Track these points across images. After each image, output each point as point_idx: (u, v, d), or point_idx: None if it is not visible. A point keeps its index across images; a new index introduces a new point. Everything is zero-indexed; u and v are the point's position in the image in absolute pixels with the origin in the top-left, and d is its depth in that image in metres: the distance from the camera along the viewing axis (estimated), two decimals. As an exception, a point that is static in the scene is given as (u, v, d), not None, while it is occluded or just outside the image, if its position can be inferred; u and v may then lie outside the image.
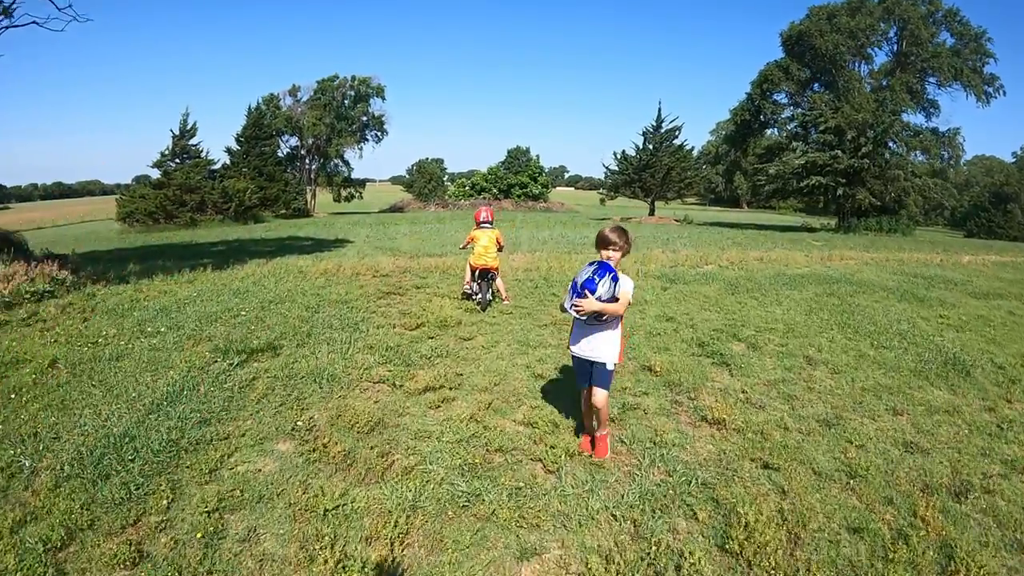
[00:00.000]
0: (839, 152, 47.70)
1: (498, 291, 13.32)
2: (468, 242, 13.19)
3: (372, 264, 17.63)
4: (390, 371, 8.32)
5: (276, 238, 30.98)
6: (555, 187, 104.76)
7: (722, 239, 32.69)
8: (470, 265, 12.92)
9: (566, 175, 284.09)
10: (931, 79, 50.63)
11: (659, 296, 14.35)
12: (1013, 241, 60.20)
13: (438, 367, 8.57)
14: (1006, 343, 11.34)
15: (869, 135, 47.25)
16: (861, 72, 52.85)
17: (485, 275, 12.83)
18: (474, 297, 12.93)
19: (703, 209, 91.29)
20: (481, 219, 13.17)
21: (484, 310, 12.38)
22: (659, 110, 61.21)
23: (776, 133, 58.47)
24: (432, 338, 10.08)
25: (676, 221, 56.21)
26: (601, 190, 74.09)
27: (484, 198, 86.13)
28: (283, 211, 59.99)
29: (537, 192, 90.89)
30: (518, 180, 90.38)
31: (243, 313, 11.30)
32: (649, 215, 61.14)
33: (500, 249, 13.18)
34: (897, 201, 50.26)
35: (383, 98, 79.64)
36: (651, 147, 60.89)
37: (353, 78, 77.85)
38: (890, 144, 49.16)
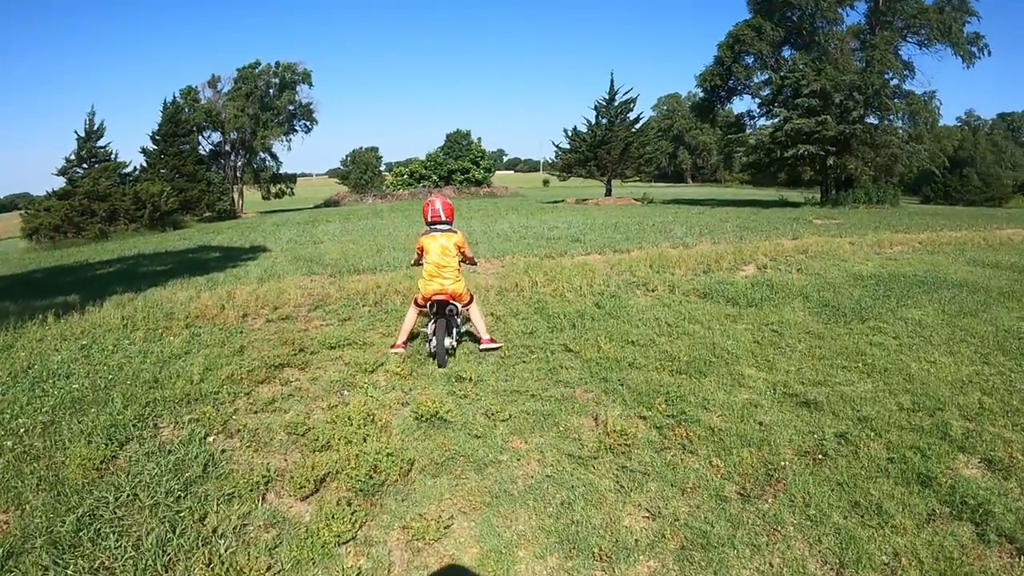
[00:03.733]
0: (827, 118, 43.29)
1: (474, 330, 8.98)
2: (418, 255, 8.67)
3: (275, 294, 12.11)
4: None
5: (183, 250, 25.96)
6: (495, 171, 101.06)
7: (715, 222, 27.81)
8: (418, 296, 8.58)
9: (505, 158, 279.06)
10: (911, 39, 46.47)
11: (736, 337, 9.62)
12: (970, 205, 61.70)
13: None
14: None
15: (858, 98, 43.12)
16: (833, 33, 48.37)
17: (443, 309, 8.25)
18: (429, 345, 8.33)
19: (651, 185, 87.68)
20: (430, 217, 8.68)
21: (442, 365, 8.02)
22: (612, 82, 55.65)
23: (744, 101, 54.91)
24: (350, 537, 4.71)
25: (637, 200, 52.07)
26: (551, 171, 69.32)
27: (424, 186, 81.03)
28: (207, 214, 54.95)
29: (480, 177, 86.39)
30: (459, 165, 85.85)
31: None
32: (606, 195, 56.22)
33: (468, 262, 8.98)
34: (886, 169, 47.20)
35: (310, 84, 73.48)
36: (605, 121, 55.82)
37: (277, 64, 71.49)
38: (877, 109, 45.20)
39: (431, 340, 8.24)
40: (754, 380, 7.83)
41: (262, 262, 17.93)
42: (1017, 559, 4.43)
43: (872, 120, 45.39)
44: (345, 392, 7.35)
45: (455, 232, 8.67)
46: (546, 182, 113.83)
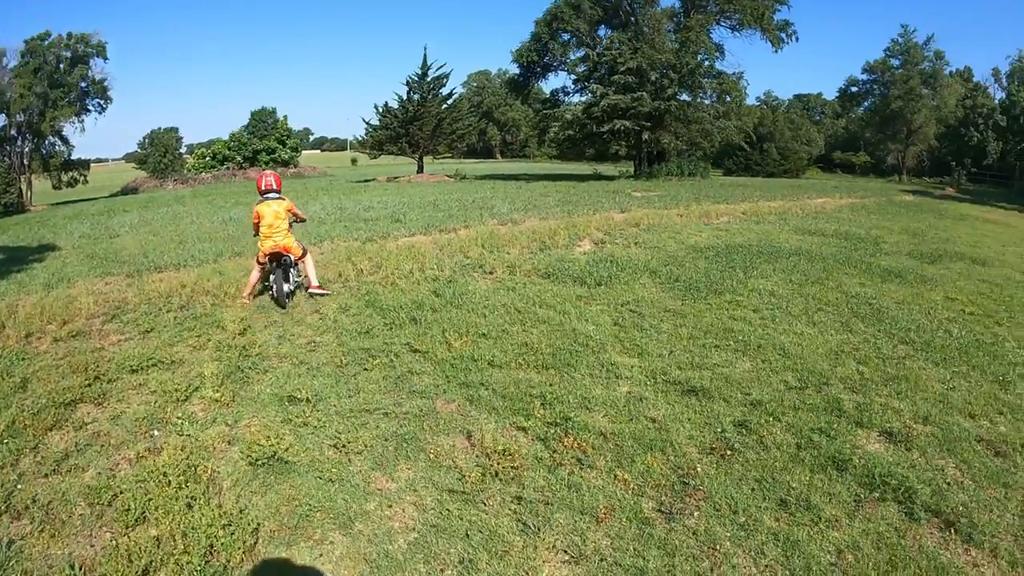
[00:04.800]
0: (643, 94, 44.50)
1: (304, 278, 10.50)
2: (256, 222, 10.21)
3: (63, 304, 9.76)
4: None
5: (-46, 256, 22.38)
6: (302, 151, 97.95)
7: (535, 196, 27.15)
8: (258, 254, 10.12)
9: (311, 138, 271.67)
10: (724, 23, 48.44)
11: (595, 321, 9.21)
12: (770, 177, 67.36)
13: None
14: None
15: (673, 76, 44.82)
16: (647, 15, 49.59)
17: (279, 260, 9.93)
18: (271, 291, 10.05)
19: (461, 162, 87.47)
20: (263, 187, 10.35)
21: (283, 307, 9.63)
22: (424, 57, 54.25)
23: (559, 78, 55.96)
24: None
25: (449, 177, 51.08)
26: (361, 149, 67.22)
27: (227, 168, 76.28)
28: None
29: (287, 157, 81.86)
30: (265, 145, 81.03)
31: None
32: (418, 172, 54.79)
33: (299, 220, 10.88)
34: (696, 144, 49.32)
35: (105, 58, 66.25)
36: (417, 97, 54.34)
37: (69, 35, 64.80)
38: (690, 87, 47.43)
39: (272, 287, 9.85)
40: (628, 369, 7.40)
41: (50, 263, 15.12)
42: (947, 533, 4.57)
43: (685, 97, 47.31)
44: (155, 433, 5.89)
45: (284, 199, 10.25)
46: (355, 161, 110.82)
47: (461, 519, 4.65)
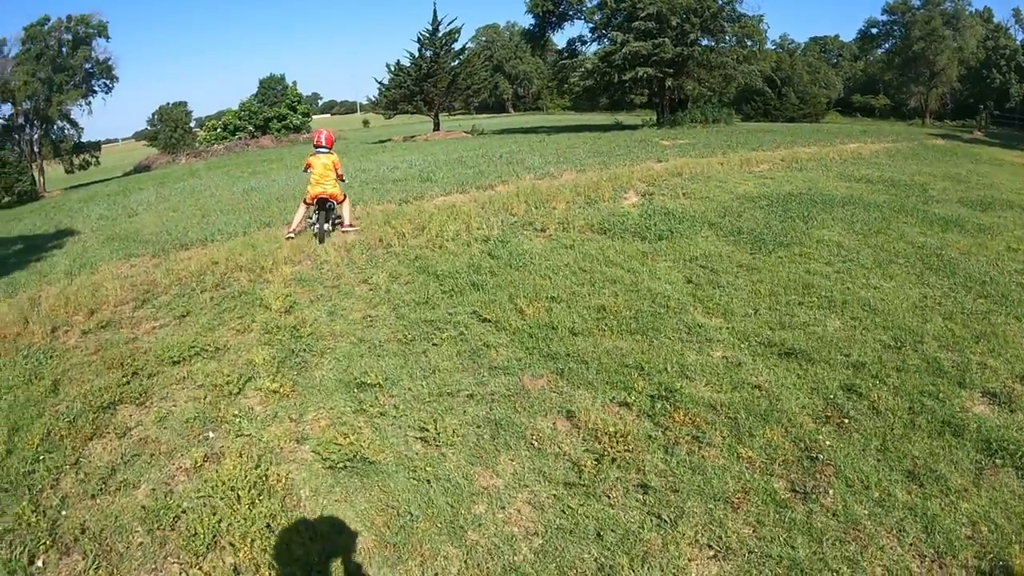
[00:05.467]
0: (665, 40, 42.59)
1: (339, 219, 11.86)
2: (307, 167, 11.86)
3: (89, 292, 8.99)
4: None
5: (-26, 249, 21.89)
6: (312, 116, 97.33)
7: (563, 148, 26.12)
8: (307, 196, 11.56)
9: (320, 102, 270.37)
10: None
11: (668, 279, 8.50)
12: (790, 122, 65.10)
13: None
14: None
15: (695, 21, 42.75)
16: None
17: (323, 204, 11.36)
18: (312, 228, 11.43)
19: (474, 118, 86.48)
20: (315, 143, 12.05)
21: (322, 242, 10.92)
22: (435, 11, 53.01)
23: (575, 27, 54.37)
24: None
25: (467, 133, 49.82)
26: (375, 110, 66.18)
27: (240, 138, 75.46)
28: (5, 199, 48.32)
29: (299, 123, 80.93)
30: (276, 112, 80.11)
31: None
32: (435, 130, 53.81)
33: (340, 179, 11.92)
34: (719, 90, 47.99)
35: (107, 37, 65.81)
36: (430, 54, 53.25)
37: (69, 18, 64.17)
38: (711, 32, 45.43)
39: (315, 225, 11.13)
40: (717, 331, 6.72)
41: (70, 249, 14.32)
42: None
43: (707, 42, 45.61)
44: (210, 435, 5.14)
45: (332, 154, 11.73)
46: (366, 123, 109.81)
47: (587, 516, 4.00)
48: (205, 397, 5.73)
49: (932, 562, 3.80)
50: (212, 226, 13.22)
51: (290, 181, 19.93)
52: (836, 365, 5.92)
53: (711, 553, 3.76)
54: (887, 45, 78.92)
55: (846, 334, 6.62)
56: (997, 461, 4.65)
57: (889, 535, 3.98)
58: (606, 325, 6.78)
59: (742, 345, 6.35)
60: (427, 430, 4.92)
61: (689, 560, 3.71)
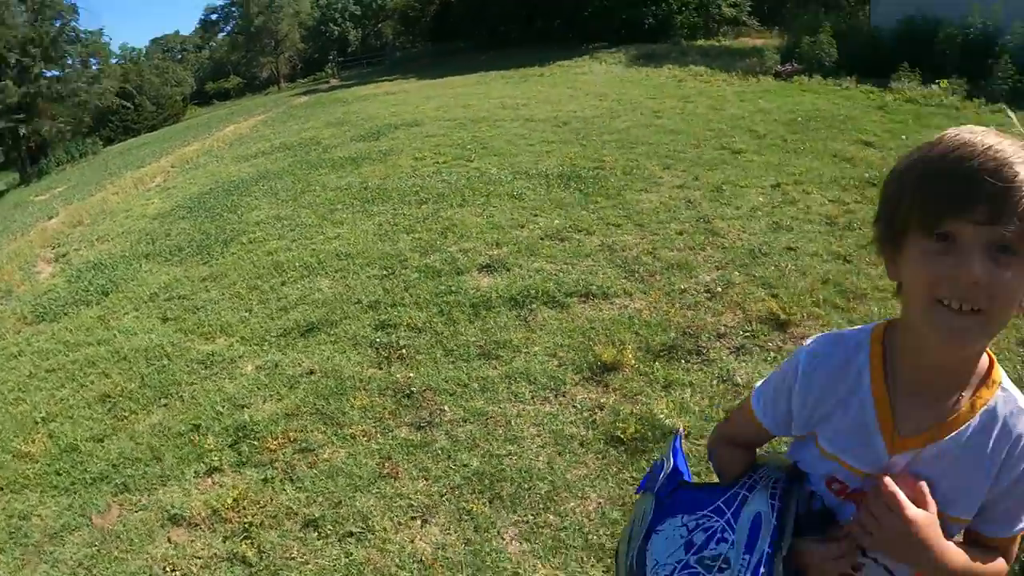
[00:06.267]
0: (7, 83, 38.60)
1: None
2: None
3: None
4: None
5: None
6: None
7: None
8: None
9: None
10: None
11: None
12: (153, 131, 59.43)
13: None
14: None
15: (34, 52, 39.88)
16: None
17: None
18: None
19: None
20: None
21: None
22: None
23: None
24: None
25: None
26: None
27: None
28: None
29: None
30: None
31: None
32: None
33: None
34: (78, 121, 45.53)
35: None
36: None
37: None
38: (55, 59, 43.15)
39: None
40: (227, 349, 6.54)
41: None
42: None
43: (54, 72, 43.56)
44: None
45: None
46: None
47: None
48: None
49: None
50: None
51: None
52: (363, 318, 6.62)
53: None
54: (228, 28, 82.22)
55: (347, 287, 7.39)
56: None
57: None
58: (121, 409, 5.82)
59: (264, 347, 6.39)
60: None
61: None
